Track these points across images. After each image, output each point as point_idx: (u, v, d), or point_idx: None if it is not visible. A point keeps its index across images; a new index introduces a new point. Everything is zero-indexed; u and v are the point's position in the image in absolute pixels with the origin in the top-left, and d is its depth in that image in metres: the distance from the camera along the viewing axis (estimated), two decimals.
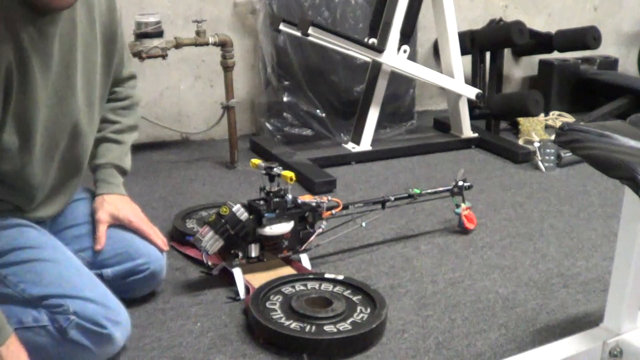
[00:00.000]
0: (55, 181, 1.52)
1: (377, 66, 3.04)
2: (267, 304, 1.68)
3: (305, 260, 1.93)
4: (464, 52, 3.30)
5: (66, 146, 1.49)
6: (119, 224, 1.65)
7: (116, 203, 1.66)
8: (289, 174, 1.81)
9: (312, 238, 1.92)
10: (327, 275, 1.81)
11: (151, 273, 1.67)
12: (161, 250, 1.70)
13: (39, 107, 1.36)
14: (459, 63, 3.20)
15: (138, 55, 2.63)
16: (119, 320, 1.42)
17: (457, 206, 2.24)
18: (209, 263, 1.85)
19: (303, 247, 1.92)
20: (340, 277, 1.79)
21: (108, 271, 1.62)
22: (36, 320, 1.31)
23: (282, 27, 2.86)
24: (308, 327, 1.57)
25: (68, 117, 1.46)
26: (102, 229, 1.62)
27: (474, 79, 3.47)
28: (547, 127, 3.51)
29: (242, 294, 1.77)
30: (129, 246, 1.65)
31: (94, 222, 1.64)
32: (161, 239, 1.71)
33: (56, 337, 1.34)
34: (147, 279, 1.68)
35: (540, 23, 4.10)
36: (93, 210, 1.65)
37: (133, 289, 1.68)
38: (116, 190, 1.69)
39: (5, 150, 1.34)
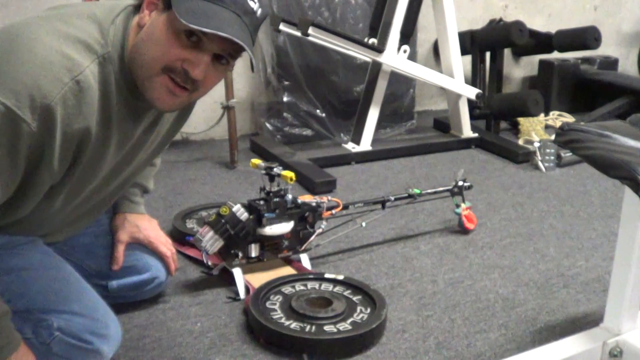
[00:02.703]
0: (75, 220, 1.47)
1: (377, 66, 3.04)
2: (267, 304, 1.68)
3: (305, 260, 1.93)
4: (464, 52, 3.30)
5: (100, 201, 1.45)
6: (137, 243, 1.65)
7: (137, 223, 1.65)
8: (289, 174, 1.81)
9: (312, 238, 1.92)
10: (327, 275, 1.80)
11: (156, 286, 1.69)
12: (169, 273, 1.71)
13: (95, 180, 1.32)
14: (459, 63, 3.20)
15: None
16: (106, 333, 1.36)
17: (457, 206, 2.24)
18: (209, 263, 1.85)
19: (303, 247, 1.92)
20: (340, 277, 1.79)
21: (113, 283, 1.62)
22: (20, 331, 1.25)
23: (282, 27, 2.86)
24: (308, 327, 1.57)
25: (116, 184, 1.43)
26: (121, 250, 1.60)
27: (474, 79, 3.47)
28: (547, 127, 3.51)
29: (242, 294, 1.77)
30: (137, 260, 1.64)
31: (106, 235, 1.62)
32: (175, 264, 1.71)
33: (40, 350, 1.29)
34: (151, 290, 1.70)
35: (540, 23, 4.10)
36: (113, 228, 1.63)
37: (135, 297, 1.69)
38: (138, 210, 1.67)
39: (36, 208, 1.27)
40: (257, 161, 1.89)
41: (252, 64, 1.19)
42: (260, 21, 1.21)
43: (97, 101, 1.16)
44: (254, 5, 1.18)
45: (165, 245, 1.69)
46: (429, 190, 2.26)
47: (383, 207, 2.13)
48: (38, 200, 1.23)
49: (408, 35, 3.03)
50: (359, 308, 1.67)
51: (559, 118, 3.71)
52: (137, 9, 1.22)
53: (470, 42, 3.48)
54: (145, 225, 1.67)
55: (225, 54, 1.19)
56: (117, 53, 1.18)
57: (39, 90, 1.05)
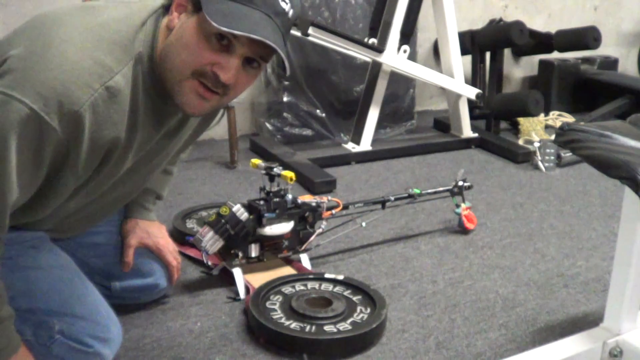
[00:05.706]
0: (86, 218, 1.47)
1: (377, 66, 3.04)
2: (267, 304, 1.68)
3: (305, 260, 1.93)
4: (464, 52, 3.30)
5: (114, 199, 1.44)
6: (145, 248, 1.65)
7: (148, 229, 1.65)
8: (289, 174, 1.81)
9: (312, 238, 1.92)
10: (327, 275, 1.80)
11: (158, 292, 1.69)
12: (170, 282, 1.70)
13: (113, 179, 1.30)
14: (459, 63, 3.20)
15: None
16: (107, 336, 1.36)
17: (457, 206, 2.24)
18: (209, 263, 1.85)
19: (303, 247, 1.92)
20: (340, 277, 1.79)
21: (117, 285, 1.62)
22: (20, 331, 1.23)
23: None
24: (308, 327, 1.57)
25: (133, 183, 1.42)
26: (131, 254, 1.60)
27: (474, 79, 3.47)
28: (547, 127, 3.51)
29: (242, 294, 1.77)
30: (142, 264, 1.64)
31: (116, 236, 1.63)
32: (178, 274, 1.71)
33: (39, 352, 1.28)
34: (154, 294, 1.70)
35: (540, 23, 4.10)
36: (124, 232, 1.63)
37: (136, 299, 1.69)
38: (149, 216, 1.67)
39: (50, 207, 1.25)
40: (257, 161, 1.89)
41: (286, 66, 1.16)
42: (292, 22, 1.18)
43: (127, 105, 1.14)
44: (286, 6, 1.14)
45: (172, 254, 1.69)
46: (429, 190, 2.26)
47: (383, 207, 2.13)
48: (60, 202, 1.23)
49: (408, 35, 3.03)
50: (359, 308, 1.67)
51: (559, 118, 3.71)
52: (167, 10, 1.19)
53: (470, 42, 3.48)
54: (155, 232, 1.67)
55: (256, 57, 1.16)
56: (147, 54, 1.17)
57: (68, 97, 1.04)
